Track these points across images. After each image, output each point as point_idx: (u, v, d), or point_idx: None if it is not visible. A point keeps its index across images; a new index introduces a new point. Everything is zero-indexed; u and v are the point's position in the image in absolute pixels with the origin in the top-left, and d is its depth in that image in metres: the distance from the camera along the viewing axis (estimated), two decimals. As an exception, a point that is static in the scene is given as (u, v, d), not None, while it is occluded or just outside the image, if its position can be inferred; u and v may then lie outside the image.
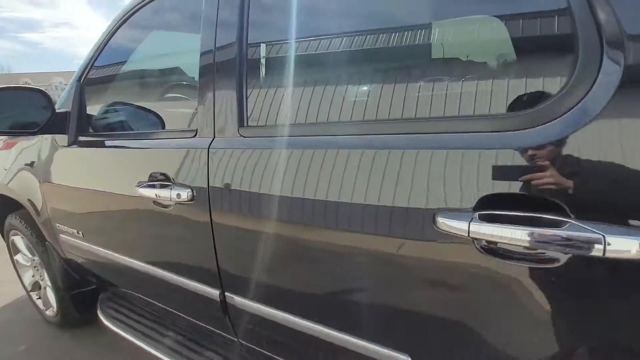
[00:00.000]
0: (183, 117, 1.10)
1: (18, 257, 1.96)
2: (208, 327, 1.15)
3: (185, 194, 0.89)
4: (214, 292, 0.93)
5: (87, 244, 1.33)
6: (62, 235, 1.45)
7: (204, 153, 0.86)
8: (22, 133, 1.25)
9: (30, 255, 1.85)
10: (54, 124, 1.24)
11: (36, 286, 1.99)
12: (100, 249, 1.27)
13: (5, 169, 1.66)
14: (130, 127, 1.25)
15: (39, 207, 1.50)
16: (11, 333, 1.92)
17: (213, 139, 0.86)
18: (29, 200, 1.53)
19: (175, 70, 1.23)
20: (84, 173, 1.23)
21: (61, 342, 1.81)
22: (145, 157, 1.02)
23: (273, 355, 0.93)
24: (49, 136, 1.41)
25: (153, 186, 0.97)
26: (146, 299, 1.35)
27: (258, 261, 0.83)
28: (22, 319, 2.04)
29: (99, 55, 1.23)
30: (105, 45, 1.22)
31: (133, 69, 1.35)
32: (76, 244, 1.39)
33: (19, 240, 1.87)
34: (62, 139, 1.33)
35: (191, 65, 0.99)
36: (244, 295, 0.87)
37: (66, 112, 1.28)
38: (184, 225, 0.94)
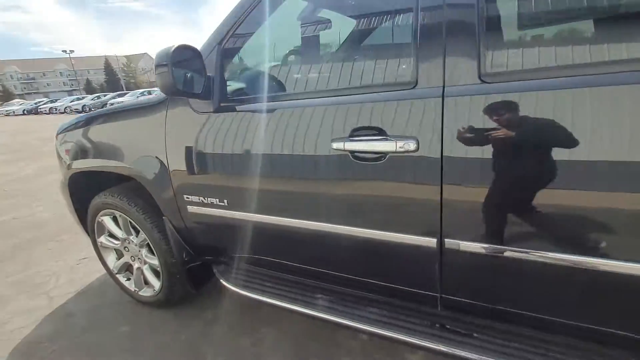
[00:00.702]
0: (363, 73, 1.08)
1: (102, 239, 1.88)
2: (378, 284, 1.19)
3: (409, 145, 0.90)
4: (430, 240, 0.96)
5: (230, 212, 1.31)
6: (192, 207, 1.41)
7: (434, 102, 0.88)
8: (192, 95, 1.17)
9: (122, 235, 1.79)
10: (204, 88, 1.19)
11: (123, 268, 1.93)
12: (254, 215, 1.26)
13: (111, 145, 1.58)
14: (300, 87, 1.21)
15: (160, 180, 1.45)
16: (105, 317, 1.86)
17: (444, 88, 0.87)
18: (144, 174, 1.48)
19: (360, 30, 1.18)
20: (240, 139, 1.20)
21: (164, 321, 1.78)
22: (340, 113, 1.01)
23: (487, 306, 0.99)
24: (178, 104, 1.36)
25: (357, 140, 0.98)
26: (291, 263, 1.35)
27: (492, 203, 0.87)
28: (109, 303, 1.98)
29: (248, 14, 1.18)
30: (254, 5, 1.17)
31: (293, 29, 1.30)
32: (212, 213, 1.36)
33: (108, 221, 1.80)
34: (201, 105, 1.28)
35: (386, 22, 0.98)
36: (471, 239, 0.91)
37: (209, 77, 1.23)
38: (399, 176, 0.96)
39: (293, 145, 1.09)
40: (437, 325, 1.12)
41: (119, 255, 1.95)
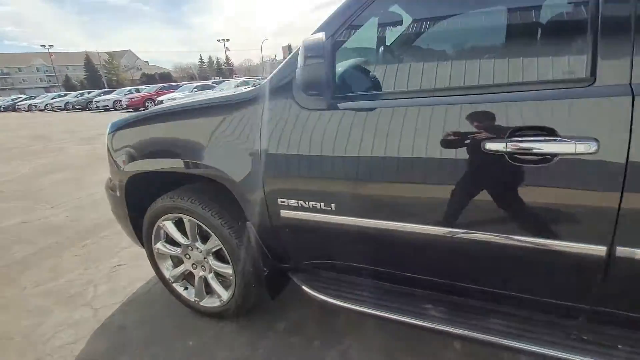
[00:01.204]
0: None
1: (158, 245, 1.74)
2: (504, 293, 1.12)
3: (589, 146, 0.84)
4: (597, 249, 0.90)
5: (337, 217, 1.21)
6: (287, 212, 1.30)
7: (621, 101, 0.81)
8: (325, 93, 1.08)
9: (185, 242, 1.66)
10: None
11: (181, 276, 1.79)
12: (368, 221, 1.17)
13: (187, 143, 1.46)
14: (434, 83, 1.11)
15: (249, 182, 1.33)
16: (163, 330, 1.72)
17: (631, 85, 0.81)
18: (230, 175, 1.36)
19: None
20: (359, 139, 1.10)
21: (233, 334, 1.66)
22: (495, 112, 0.93)
23: None
24: (279, 99, 1.25)
25: (521, 141, 0.90)
26: (400, 273, 1.27)
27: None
28: (162, 314, 1.83)
29: (370, 3, 1.09)
30: None
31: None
32: (313, 218, 1.26)
33: (170, 226, 1.66)
34: (309, 101, 1.18)
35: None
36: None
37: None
38: (569, 179, 0.89)
39: (427, 146, 1.01)
40: (573, 336, 1.06)
41: (176, 263, 1.81)
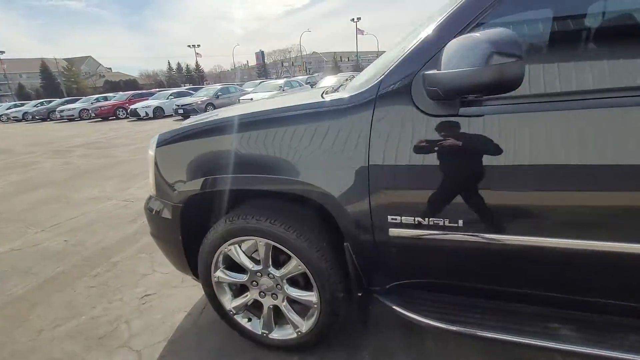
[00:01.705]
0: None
1: (218, 273, 1.52)
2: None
3: None
4: None
5: (459, 234, 1.08)
6: (398, 230, 1.15)
7: None
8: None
9: (254, 267, 1.45)
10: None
11: (243, 307, 1.58)
12: (500, 237, 1.05)
13: (268, 157, 1.27)
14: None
15: (351, 198, 1.17)
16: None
17: None
18: (329, 190, 1.19)
19: None
20: (512, 147, 0.98)
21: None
22: None
23: None
24: (393, 104, 1.10)
25: None
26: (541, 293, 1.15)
27: None
28: (225, 352, 1.60)
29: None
30: None
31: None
32: (433, 236, 1.12)
33: (237, 251, 1.45)
34: (434, 106, 1.04)
35: None
36: None
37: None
38: None
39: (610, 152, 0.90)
40: None
41: (237, 292, 1.60)
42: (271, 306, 1.52)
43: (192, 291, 2.10)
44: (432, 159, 1.06)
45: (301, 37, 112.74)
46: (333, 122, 1.19)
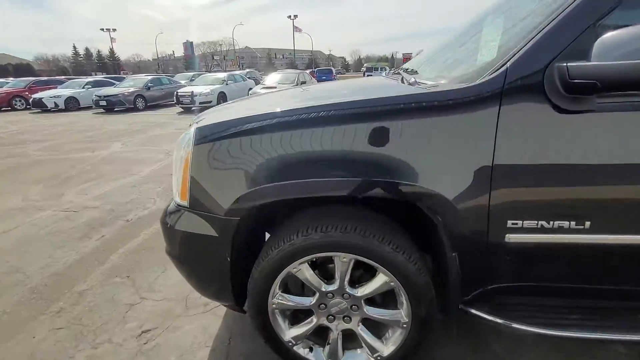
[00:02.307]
0: None
1: (277, 299, 1.25)
2: None
3: None
4: None
5: (586, 236, 1.03)
6: (516, 235, 1.05)
7: None
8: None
9: (325, 288, 1.22)
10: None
11: (302, 336, 1.33)
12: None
13: (364, 155, 1.05)
14: None
15: (466, 202, 1.03)
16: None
17: None
18: (441, 192, 1.03)
19: None
20: None
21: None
22: None
23: None
24: (522, 99, 0.99)
25: None
26: None
27: None
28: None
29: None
30: None
31: None
32: (548, 240, 1.05)
33: (305, 271, 1.20)
34: (568, 101, 0.96)
35: None
36: None
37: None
38: None
39: None
40: None
41: (294, 318, 1.34)
42: (340, 331, 1.30)
43: (205, 319, 1.74)
44: (566, 158, 0.98)
45: (234, 30, 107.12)
46: (446, 117, 1.03)
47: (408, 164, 1.04)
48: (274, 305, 1.26)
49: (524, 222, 1.04)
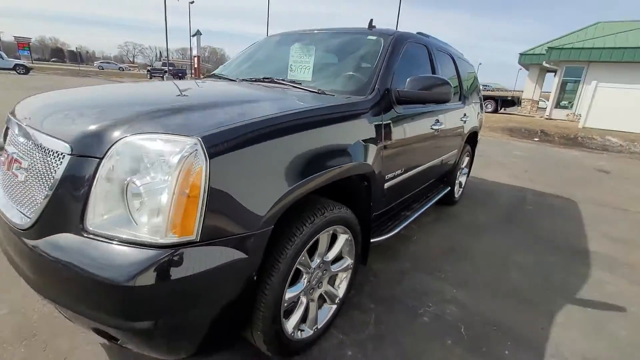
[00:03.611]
0: None
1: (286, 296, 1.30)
2: None
3: None
4: None
5: (404, 175, 2.04)
6: (387, 183, 1.86)
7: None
8: None
9: (312, 267, 1.44)
10: None
11: (298, 323, 1.45)
12: None
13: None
14: None
15: (378, 171, 1.69)
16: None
17: None
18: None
19: None
20: None
21: None
22: None
23: None
24: (386, 107, 1.73)
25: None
26: None
27: None
28: None
29: None
30: None
31: None
32: (395, 180, 1.98)
33: (306, 258, 1.36)
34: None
35: None
36: None
37: None
38: None
39: None
40: None
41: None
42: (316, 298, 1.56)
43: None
44: (401, 134, 1.90)
45: None
46: (363, 117, 1.64)
47: (353, 151, 1.52)
48: (285, 304, 1.29)
49: (389, 174, 1.86)
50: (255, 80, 2.09)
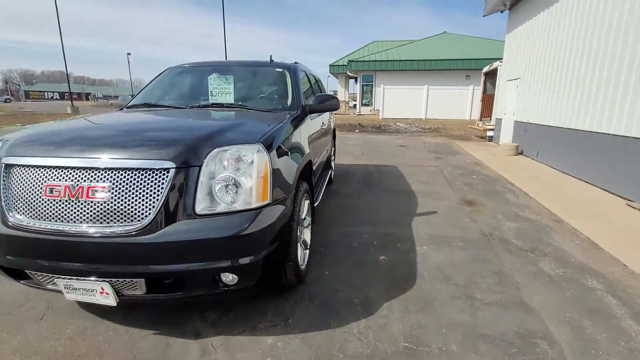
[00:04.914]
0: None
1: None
2: None
3: None
4: None
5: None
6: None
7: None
8: None
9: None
10: None
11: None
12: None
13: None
14: None
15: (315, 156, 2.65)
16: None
17: None
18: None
19: None
20: None
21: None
22: None
23: None
24: (307, 115, 2.70)
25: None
26: None
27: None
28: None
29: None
30: None
31: None
32: None
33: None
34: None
35: None
36: None
37: None
38: None
39: None
40: None
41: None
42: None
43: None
44: (311, 130, 2.91)
45: None
46: (303, 122, 2.55)
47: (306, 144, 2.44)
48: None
49: (314, 159, 2.86)
50: (204, 107, 2.64)
